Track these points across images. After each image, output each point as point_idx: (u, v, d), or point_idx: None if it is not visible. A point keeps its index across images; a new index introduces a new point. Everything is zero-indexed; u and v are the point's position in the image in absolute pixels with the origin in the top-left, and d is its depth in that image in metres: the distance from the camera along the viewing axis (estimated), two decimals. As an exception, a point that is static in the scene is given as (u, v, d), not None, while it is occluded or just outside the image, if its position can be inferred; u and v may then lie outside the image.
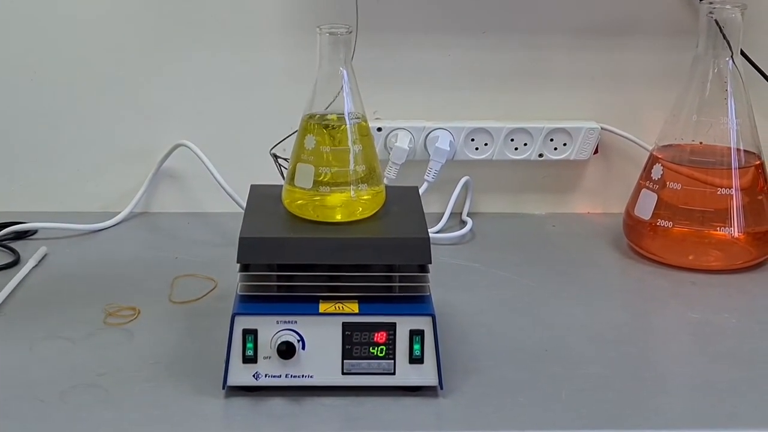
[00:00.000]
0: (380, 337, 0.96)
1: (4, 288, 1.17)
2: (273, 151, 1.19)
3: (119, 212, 1.41)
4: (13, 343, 1.07)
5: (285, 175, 1.05)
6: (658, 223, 1.29)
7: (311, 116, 1.03)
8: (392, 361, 0.97)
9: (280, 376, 0.97)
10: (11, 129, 1.41)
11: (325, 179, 1.02)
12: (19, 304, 1.16)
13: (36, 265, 1.26)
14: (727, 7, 1.25)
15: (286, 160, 1.10)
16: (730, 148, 1.28)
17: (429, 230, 1.04)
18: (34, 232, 1.36)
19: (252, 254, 0.98)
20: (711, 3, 1.26)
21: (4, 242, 1.32)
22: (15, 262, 1.26)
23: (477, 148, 1.43)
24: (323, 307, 0.97)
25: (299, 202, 1.03)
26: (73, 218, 1.38)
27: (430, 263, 0.99)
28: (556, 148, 1.44)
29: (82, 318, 1.12)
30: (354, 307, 0.97)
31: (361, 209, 1.03)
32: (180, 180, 1.44)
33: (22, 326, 1.10)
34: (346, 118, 1.02)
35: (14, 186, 1.43)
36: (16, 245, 1.31)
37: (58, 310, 1.15)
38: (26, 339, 1.08)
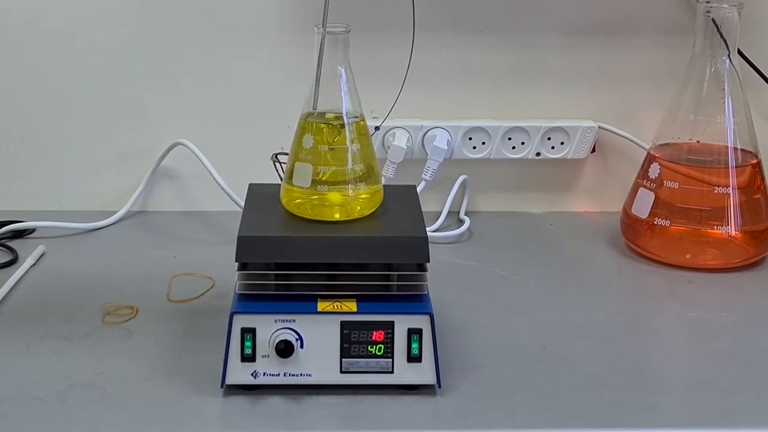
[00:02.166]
0: (378, 335, 0.96)
1: (1, 287, 1.17)
2: (274, 154, 1.18)
3: (117, 211, 1.40)
4: (11, 342, 1.07)
5: (283, 175, 1.05)
6: (655, 222, 1.29)
7: (309, 115, 1.03)
8: (390, 359, 0.97)
9: (279, 374, 0.97)
10: (9, 128, 1.41)
11: (324, 178, 1.02)
12: (16, 303, 1.16)
13: (34, 264, 1.26)
14: (724, 6, 1.25)
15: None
16: (727, 147, 1.28)
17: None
18: (32, 230, 1.36)
19: (250, 253, 0.98)
20: (708, 2, 1.26)
21: (1, 241, 1.31)
22: (13, 261, 1.26)
23: (474, 147, 1.43)
24: (321, 305, 0.97)
25: (297, 200, 1.03)
26: (71, 217, 1.38)
27: (429, 262, 0.99)
28: (553, 147, 1.44)
29: (80, 317, 1.12)
30: (352, 305, 0.97)
31: (359, 208, 1.03)
32: (178, 179, 1.44)
33: (20, 325, 1.10)
34: (345, 117, 1.02)
35: (12, 185, 1.43)
36: (14, 244, 1.31)
37: (55, 309, 1.14)
38: (24, 338, 1.07)
